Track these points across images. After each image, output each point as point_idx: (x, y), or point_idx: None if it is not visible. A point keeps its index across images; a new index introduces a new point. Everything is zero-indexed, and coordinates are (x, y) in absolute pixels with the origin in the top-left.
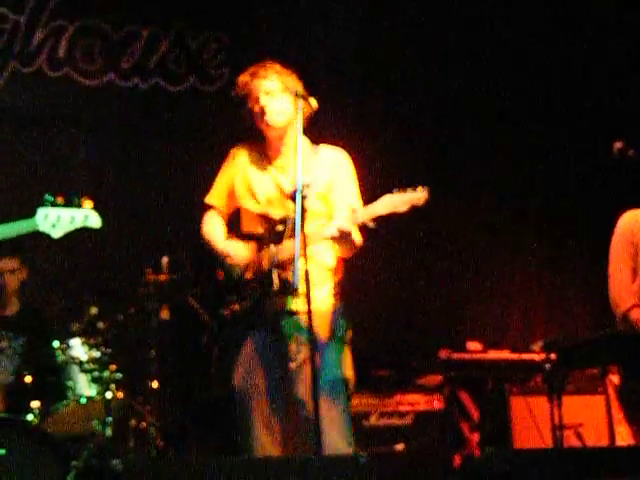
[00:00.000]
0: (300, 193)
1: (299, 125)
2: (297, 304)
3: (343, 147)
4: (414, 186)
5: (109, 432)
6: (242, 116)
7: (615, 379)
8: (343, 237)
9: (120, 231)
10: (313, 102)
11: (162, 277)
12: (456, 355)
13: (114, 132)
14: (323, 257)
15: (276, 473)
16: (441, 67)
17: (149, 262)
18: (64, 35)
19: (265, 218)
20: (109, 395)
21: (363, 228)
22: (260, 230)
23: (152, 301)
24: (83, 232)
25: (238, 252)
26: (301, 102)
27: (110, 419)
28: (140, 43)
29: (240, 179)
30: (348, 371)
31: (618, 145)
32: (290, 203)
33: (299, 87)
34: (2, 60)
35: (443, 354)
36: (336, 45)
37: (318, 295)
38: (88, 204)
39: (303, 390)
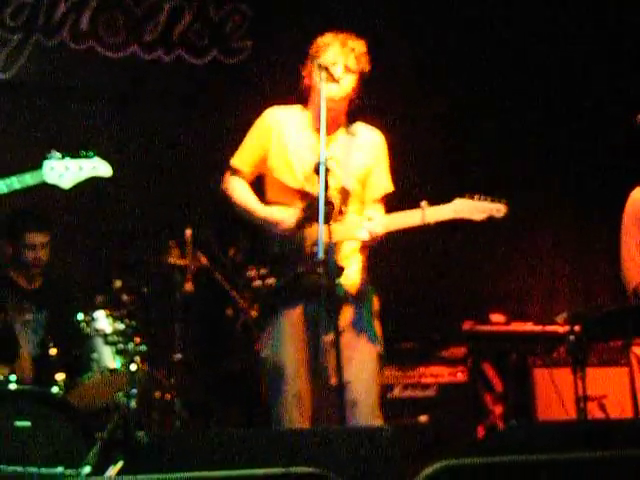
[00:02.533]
0: (324, 165)
1: (323, 96)
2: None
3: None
4: (492, 196)
5: (134, 404)
6: (301, 73)
7: (639, 351)
8: (372, 242)
9: (143, 204)
10: (358, 100)
11: (186, 250)
12: (479, 327)
13: (137, 105)
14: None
15: (299, 445)
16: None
17: (173, 235)
18: (87, 7)
19: (302, 193)
20: (133, 367)
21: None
22: (298, 203)
23: (176, 273)
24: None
25: (287, 219)
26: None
27: (134, 391)
28: (163, 15)
29: (277, 148)
30: (381, 345)
31: None
32: (331, 180)
33: (368, 75)
34: (25, 33)
35: (466, 326)
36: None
37: (351, 269)
38: (95, 154)
39: (335, 361)
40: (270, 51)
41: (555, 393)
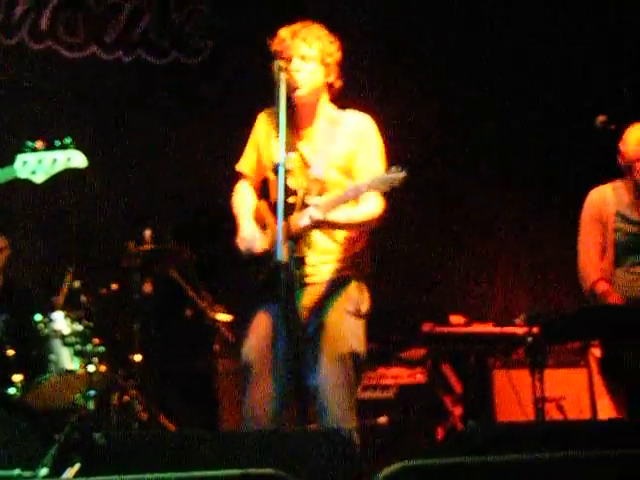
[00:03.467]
0: (283, 167)
1: (282, 96)
2: (311, 276)
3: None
4: (395, 165)
5: (92, 405)
6: (271, 71)
7: (597, 352)
8: (317, 226)
9: (102, 204)
10: (337, 83)
11: (145, 250)
12: (439, 328)
13: (97, 105)
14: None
15: (258, 446)
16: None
17: (132, 235)
18: (47, 7)
19: (287, 190)
20: (92, 368)
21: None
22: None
23: (135, 274)
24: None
25: (245, 237)
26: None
27: (93, 392)
28: (123, 16)
29: (265, 146)
30: (358, 345)
31: (601, 118)
32: (310, 172)
33: (334, 56)
34: None
35: (426, 327)
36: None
37: (329, 267)
38: (70, 144)
39: (310, 363)
40: (230, 51)
41: (514, 394)
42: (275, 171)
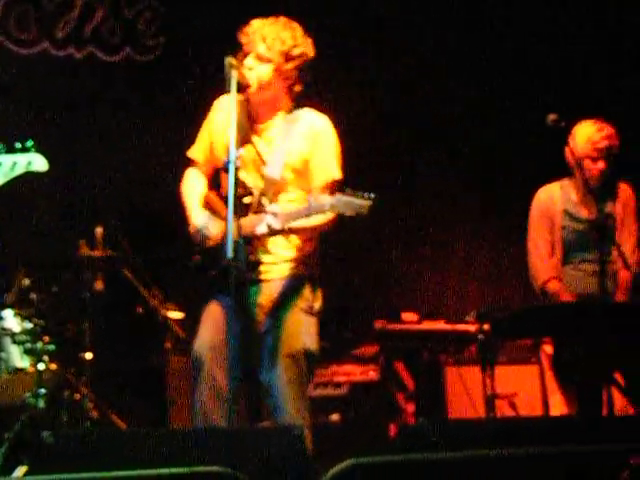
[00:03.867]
0: (233, 164)
1: (233, 94)
2: (265, 273)
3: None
4: (366, 192)
5: (42, 404)
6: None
7: (548, 349)
8: (274, 234)
9: (53, 202)
10: (297, 87)
11: (96, 248)
12: (391, 326)
13: (48, 101)
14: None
15: (208, 444)
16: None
17: (83, 233)
18: None
19: (238, 183)
20: (42, 367)
21: None
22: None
23: (86, 272)
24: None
25: (199, 227)
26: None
27: (43, 391)
28: (75, 12)
29: (218, 136)
30: (310, 343)
31: (552, 117)
32: (265, 171)
33: (296, 61)
34: None
35: (378, 325)
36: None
37: (286, 264)
38: (32, 147)
39: (263, 360)
40: (183, 48)
41: (465, 391)
42: (225, 168)
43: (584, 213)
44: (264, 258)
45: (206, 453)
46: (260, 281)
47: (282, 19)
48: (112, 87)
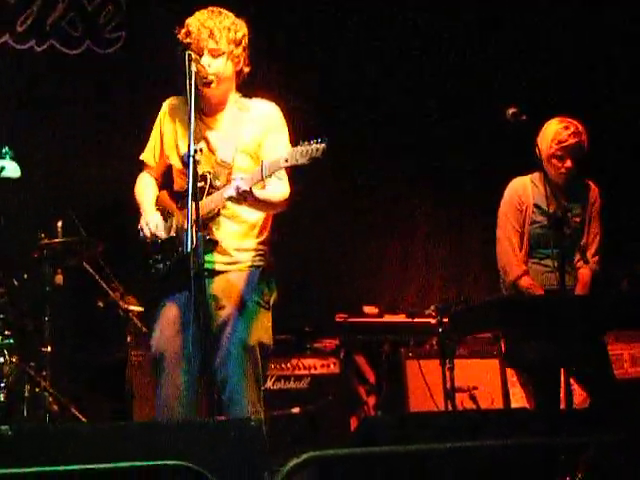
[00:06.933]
0: (192, 157)
1: (192, 87)
2: (219, 264)
3: (274, 100)
4: (315, 138)
5: (2, 397)
6: (181, 61)
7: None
8: (243, 197)
9: (13, 194)
10: (246, 69)
11: (56, 241)
12: (352, 319)
13: (8, 95)
14: (245, 214)
15: (167, 438)
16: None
17: (43, 226)
18: None
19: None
20: (1, 360)
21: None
22: (185, 187)
23: (46, 265)
24: None
25: (149, 223)
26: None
27: (2, 384)
28: (36, 5)
29: (169, 134)
30: (265, 336)
31: (512, 110)
32: (217, 156)
33: (242, 44)
34: None
35: (339, 318)
36: None
37: (240, 255)
38: (6, 154)
39: (218, 353)
40: (143, 41)
41: (426, 384)
42: (184, 162)
43: (552, 208)
44: (220, 247)
45: (164, 446)
46: (215, 273)
47: (215, 9)
48: (72, 81)
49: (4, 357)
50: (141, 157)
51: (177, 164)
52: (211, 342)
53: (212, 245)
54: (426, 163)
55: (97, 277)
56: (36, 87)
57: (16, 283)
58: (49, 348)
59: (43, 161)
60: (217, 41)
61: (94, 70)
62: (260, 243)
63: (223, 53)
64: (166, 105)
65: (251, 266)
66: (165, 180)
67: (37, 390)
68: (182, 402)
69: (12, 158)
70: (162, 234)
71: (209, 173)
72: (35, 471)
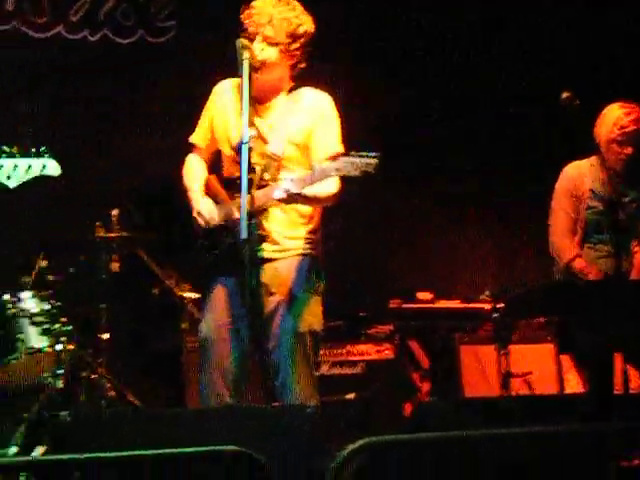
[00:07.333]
0: (247, 145)
1: (245, 74)
2: (269, 252)
3: (327, 90)
4: (368, 151)
5: (60, 384)
6: (234, 47)
7: (561, 328)
8: (293, 200)
9: (70, 183)
10: (301, 65)
11: (112, 230)
12: (406, 305)
13: (63, 85)
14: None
15: (226, 423)
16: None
17: (99, 214)
18: None
19: (239, 163)
20: (60, 347)
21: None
22: (236, 174)
23: (102, 253)
24: (35, 185)
25: (203, 211)
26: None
27: (61, 371)
28: None
29: (220, 119)
30: (315, 323)
31: (566, 94)
32: (268, 148)
33: (301, 41)
34: None
35: (393, 304)
36: None
37: (289, 243)
38: (46, 152)
39: (270, 340)
40: (195, 30)
41: (480, 370)
42: (237, 149)
43: (608, 194)
44: (271, 236)
45: (221, 433)
46: (264, 261)
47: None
48: (127, 69)
49: (62, 344)
50: (190, 139)
51: (227, 150)
52: (260, 329)
53: (262, 239)
54: (480, 149)
55: (152, 264)
56: (91, 76)
57: (73, 271)
58: (106, 335)
59: (100, 148)
60: (275, 29)
61: (146, 59)
62: (309, 232)
63: (277, 43)
64: (217, 88)
65: (300, 254)
66: (214, 164)
67: (94, 377)
68: (230, 388)
69: (51, 156)
70: (215, 221)
71: (258, 165)
72: (93, 457)
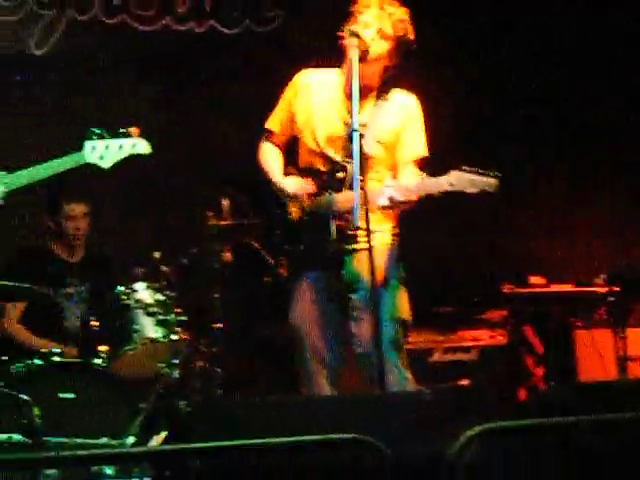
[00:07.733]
0: (357, 132)
1: (355, 61)
2: (360, 244)
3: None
4: (485, 170)
5: (176, 374)
6: (340, 36)
7: None
8: (394, 206)
9: (180, 174)
10: (398, 67)
11: (224, 220)
12: (519, 289)
13: (172, 76)
14: None
15: (340, 411)
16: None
17: (210, 205)
18: None
19: (325, 158)
20: (175, 337)
21: None
22: (320, 169)
23: (215, 243)
24: (143, 175)
25: (295, 188)
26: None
27: (176, 361)
28: None
29: (302, 109)
30: (406, 312)
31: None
32: (350, 145)
33: (407, 45)
34: (59, 9)
35: (506, 289)
36: None
37: (377, 235)
38: (135, 132)
39: (360, 329)
40: (302, 18)
41: (596, 354)
42: (349, 138)
43: None
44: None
45: (339, 421)
46: (354, 250)
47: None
48: (234, 59)
49: (178, 334)
50: (266, 125)
51: (310, 142)
52: (349, 319)
53: (350, 241)
54: (590, 137)
55: (264, 253)
56: (198, 66)
57: (185, 262)
58: (220, 324)
59: (208, 139)
60: (393, 26)
61: (252, 49)
62: (394, 226)
63: (391, 39)
64: (299, 77)
65: (388, 245)
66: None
67: (209, 366)
68: (326, 376)
69: (141, 136)
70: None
71: (348, 163)
72: (211, 446)
